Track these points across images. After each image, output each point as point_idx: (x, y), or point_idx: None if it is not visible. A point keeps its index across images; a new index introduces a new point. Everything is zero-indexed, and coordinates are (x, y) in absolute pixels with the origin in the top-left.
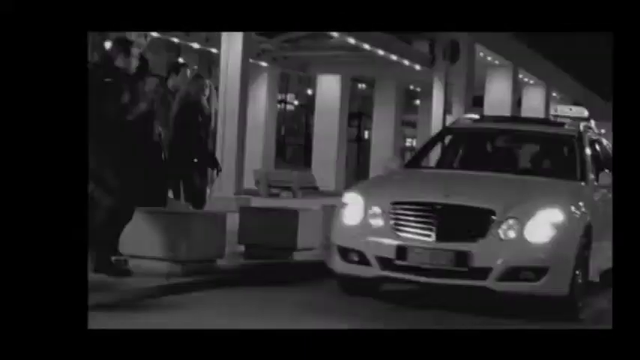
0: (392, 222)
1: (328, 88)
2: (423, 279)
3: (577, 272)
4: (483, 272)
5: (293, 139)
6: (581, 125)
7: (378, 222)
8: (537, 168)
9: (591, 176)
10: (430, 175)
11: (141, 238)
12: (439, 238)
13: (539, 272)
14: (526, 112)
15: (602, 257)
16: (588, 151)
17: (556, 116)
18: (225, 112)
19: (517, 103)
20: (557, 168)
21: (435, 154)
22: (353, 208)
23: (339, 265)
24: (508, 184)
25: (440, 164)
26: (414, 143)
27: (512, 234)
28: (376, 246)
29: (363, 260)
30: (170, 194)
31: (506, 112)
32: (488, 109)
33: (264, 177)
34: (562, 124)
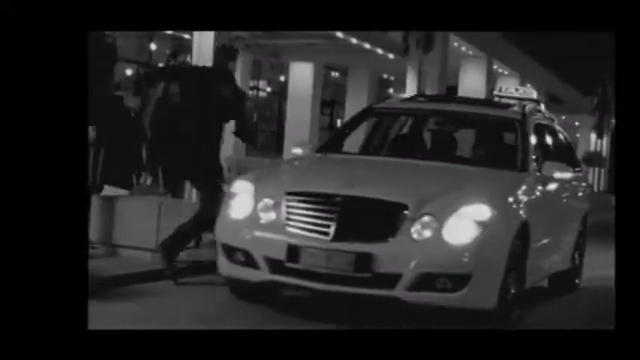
0: (285, 216)
1: (301, 75)
2: (317, 285)
3: (509, 280)
4: (391, 279)
5: (265, 125)
6: (527, 108)
7: (269, 216)
8: (471, 155)
9: (534, 166)
10: (338, 161)
11: (113, 225)
12: (337, 237)
13: (459, 280)
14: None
15: (546, 260)
16: (533, 137)
17: (500, 96)
18: None
19: (491, 92)
20: (494, 156)
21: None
22: (241, 198)
23: (224, 267)
24: (429, 174)
25: (361, 150)
26: None
27: (427, 234)
28: (264, 244)
29: (250, 261)
30: (149, 181)
31: None
32: None
33: (236, 164)
34: (506, 106)
